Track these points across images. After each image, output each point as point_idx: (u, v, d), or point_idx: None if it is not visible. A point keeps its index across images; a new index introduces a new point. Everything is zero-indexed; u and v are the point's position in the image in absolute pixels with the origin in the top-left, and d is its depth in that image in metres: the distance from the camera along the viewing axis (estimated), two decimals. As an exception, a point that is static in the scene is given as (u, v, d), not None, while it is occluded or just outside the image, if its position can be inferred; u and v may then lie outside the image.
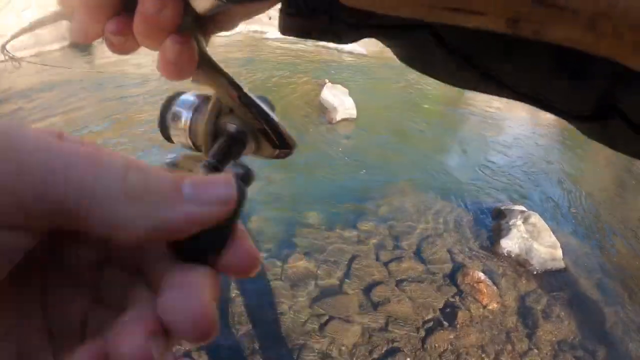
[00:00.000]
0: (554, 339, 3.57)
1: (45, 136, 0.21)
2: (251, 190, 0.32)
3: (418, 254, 4.12)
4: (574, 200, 6.03)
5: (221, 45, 11.28)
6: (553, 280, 4.24)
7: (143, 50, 0.36)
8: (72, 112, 6.27)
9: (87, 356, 0.21)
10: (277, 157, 0.42)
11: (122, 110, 6.40)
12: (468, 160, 6.69)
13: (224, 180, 0.24)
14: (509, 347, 3.38)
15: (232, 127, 0.38)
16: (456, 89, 0.40)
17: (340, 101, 6.87)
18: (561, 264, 4.38)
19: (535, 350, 3.40)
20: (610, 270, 4.76)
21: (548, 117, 10.51)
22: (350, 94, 7.20)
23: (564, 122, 0.33)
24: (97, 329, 0.24)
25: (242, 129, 0.38)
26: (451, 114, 8.68)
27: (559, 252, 4.42)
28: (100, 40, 0.32)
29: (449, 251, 4.25)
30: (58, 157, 0.20)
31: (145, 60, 8.67)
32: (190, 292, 0.22)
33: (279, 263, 3.79)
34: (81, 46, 9.66)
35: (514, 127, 8.47)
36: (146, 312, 0.22)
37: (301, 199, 4.78)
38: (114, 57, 9.21)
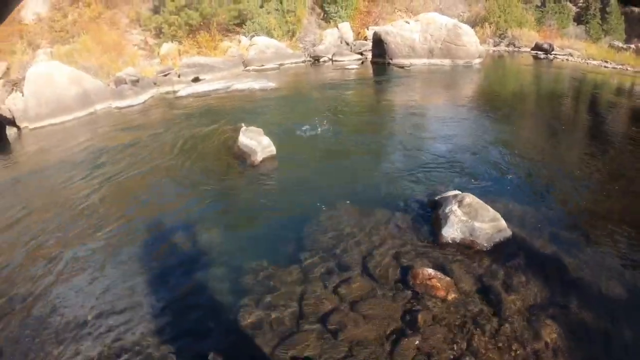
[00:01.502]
0: (522, 306, 3.43)
1: None
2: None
3: (365, 271, 3.91)
4: (504, 169, 6.09)
5: (138, 111, 11.05)
6: (505, 250, 4.15)
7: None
8: None
9: None
10: None
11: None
12: (392, 161, 6.67)
13: None
14: (479, 330, 3.18)
15: None
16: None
17: (257, 142, 6.71)
18: (508, 233, 4.29)
19: (507, 325, 3.23)
20: (559, 220, 4.79)
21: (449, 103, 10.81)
22: (267, 132, 7.07)
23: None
24: None
25: None
26: (361, 126, 8.78)
27: (502, 223, 4.33)
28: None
29: (395, 257, 4.07)
30: None
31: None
32: None
33: (231, 318, 3.49)
34: None
35: (421, 124, 8.70)
36: None
37: (240, 248, 4.48)
38: (30, 155, 8.74)
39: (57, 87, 10.77)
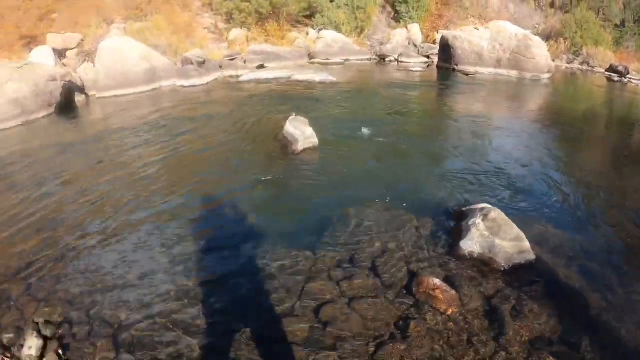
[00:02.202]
0: (526, 337, 3.20)
1: None
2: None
3: (373, 270, 3.86)
4: (549, 190, 5.74)
5: (200, 91, 11.48)
6: (523, 274, 3.91)
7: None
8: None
9: None
10: None
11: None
12: (431, 167, 6.50)
13: None
14: (471, 352, 3.04)
15: None
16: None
17: (301, 132, 6.78)
18: (530, 256, 4.05)
19: (503, 353, 3.05)
20: (594, 252, 4.38)
21: (503, 116, 10.29)
22: (314, 123, 7.13)
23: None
24: None
25: None
26: (411, 126, 8.59)
27: (525, 244, 4.09)
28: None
29: (406, 262, 3.98)
30: None
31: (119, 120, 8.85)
32: None
33: (234, 291, 3.67)
34: (65, 111, 9.94)
35: (478, 132, 8.35)
36: None
37: (260, 228, 4.63)
38: (97, 121, 9.36)
39: (126, 61, 11.36)
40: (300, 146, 6.61)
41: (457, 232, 4.36)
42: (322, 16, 16.58)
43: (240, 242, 4.41)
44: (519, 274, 3.90)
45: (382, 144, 7.28)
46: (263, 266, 3.97)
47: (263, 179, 5.87)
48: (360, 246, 4.23)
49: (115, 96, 10.94)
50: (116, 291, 3.83)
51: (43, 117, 9.44)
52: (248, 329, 3.25)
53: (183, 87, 11.74)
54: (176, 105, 10.14)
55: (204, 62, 12.79)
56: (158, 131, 8.12)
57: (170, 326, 3.35)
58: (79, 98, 10.86)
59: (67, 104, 10.36)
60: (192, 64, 12.58)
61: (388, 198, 5.19)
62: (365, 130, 7.74)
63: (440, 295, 3.45)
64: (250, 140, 7.41)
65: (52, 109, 9.91)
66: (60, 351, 3.49)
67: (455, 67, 14.57)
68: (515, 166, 6.51)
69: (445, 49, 14.95)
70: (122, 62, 11.38)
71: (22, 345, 3.61)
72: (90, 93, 11.07)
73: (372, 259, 4.02)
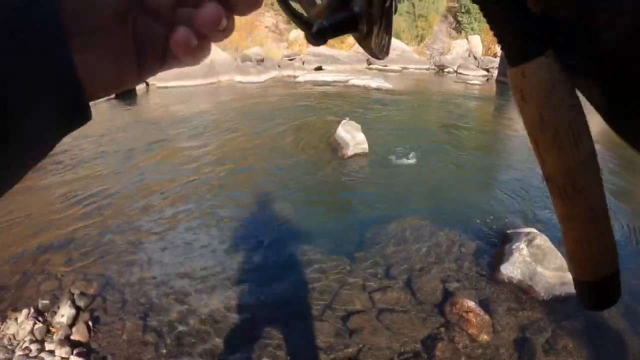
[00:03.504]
0: (557, 374, 3.06)
1: None
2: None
3: (408, 285, 3.78)
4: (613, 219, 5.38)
5: (257, 87, 11.72)
6: (562, 307, 3.70)
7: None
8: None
9: (184, 29, 0.32)
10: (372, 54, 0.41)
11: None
12: (482, 185, 6.28)
13: None
14: (497, 383, 2.92)
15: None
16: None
17: (352, 137, 6.75)
18: (572, 289, 3.82)
19: (532, 387, 2.92)
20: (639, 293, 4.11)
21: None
22: (366, 129, 7.08)
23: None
24: None
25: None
26: (465, 141, 8.30)
27: (568, 276, 3.87)
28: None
29: (443, 280, 3.86)
30: None
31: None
32: None
33: (265, 287, 3.71)
34: (126, 98, 10.45)
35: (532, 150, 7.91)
36: (214, 3, 0.32)
37: (304, 231, 4.64)
38: (155, 109, 9.77)
39: None
40: (350, 151, 6.57)
41: (499, 255, 4.19)
42: (384, 22, 16.49)
43: (278, 239, 4.46)
44: (558, 307, 3.70)
45: (432, 157, 7.12)
46: (298, 266, 4.00)
47: (309, 179, 5.91)
48: (398, 259, 4.15)
49: (174, 87, 11.36)
50: (153, 275, 3.95)
51: (103, 101, 9.94)
52: (275, 326, 3.28)
53: (241, 83, 12.01)
54: (233, 100, 10.39)
55: (262, 60, 13.03)
56: (213, 123, 8.37)
57: (199, 315, 3.43)
58: (139, 86, 11.37)
59: (127, 90, 10.87)
60: (251, 61, 12.84)
61: (432, 213, 5.06)
62: (419, 139, 7.60)
63: (473, 319, 3.33)
64: (301, 140, 7.47)
65: (112, 94, 10.45)
66: (90, 323, 3.63)
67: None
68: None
69: (502, 60, 14.41)
70: None
71: (55, 312, 3.78)
72: (151, 82, 11.54)
73: (408, 273, 3.93)
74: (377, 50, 0.39)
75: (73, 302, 3.87)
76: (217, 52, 12.27)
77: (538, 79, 0.30)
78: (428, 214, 5.01)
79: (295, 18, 0.35)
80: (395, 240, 4.47)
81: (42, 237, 4.46)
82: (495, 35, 0.30)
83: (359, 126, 7.05)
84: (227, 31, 0.34)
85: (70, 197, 5.27)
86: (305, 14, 0.38)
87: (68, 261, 4.17)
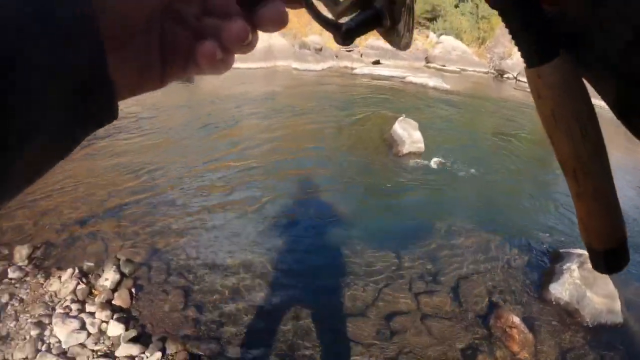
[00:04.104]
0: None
1: None
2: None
3: (454, 291, 3.78)
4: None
5: (314, 76, 11.75)
6: (606, 336, 3.61)
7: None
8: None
9: (211, 40, 0.34)
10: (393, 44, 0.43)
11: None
12: (539, 198, 6.10)
13: None
14: (535, 403, 2.92)
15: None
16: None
17: (408, 135, 6.69)
18: (618, 319, 3.73)
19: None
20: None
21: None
22: (422, 128, 7.00)
23: None
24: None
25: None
26: (524, 151, 8.04)
27: (616, 304, 3.77)
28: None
29: (489, 291, 3.84)
30: None
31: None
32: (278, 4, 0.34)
33: (311, 278, 3.78)
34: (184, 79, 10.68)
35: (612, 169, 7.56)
36: (240, 19, 0.33)
37: (355, 225, 4.68)
38: (210, 87, 9.95)
39: None
40: (405, 149, 6.53)
41: (549, 274, 4.12)
42: (444, 21, 16.06)
43: (327, 230, 4.51)
44: (602, 335, 3.61)
45: (488, 164, 6.96)
46: (346, 260, 4.04)
47: (362, 173, 5.93)
48: (446, 264, 4.14)
49: (232, 68, 11.50)
50: (199, 250, 4.01)
51: None
52: (316, 318, 3.33)
53: (297, 70, 12.04)
54: (289, 86, 10.43)
55: (320, 49, 12.99)
56: (266, 107, 8.46)
57: (241, 299, 3.48)
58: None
59: None
60: (309, 49, 12.82)
61: (484, 222, 5.00)
62: (476, 144, 7.43)
63: (516, 335, 3.32)
64: (356, 132, 7.48)
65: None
66: (133, 290, 3.63)
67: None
68: (637, 214, 5.91)
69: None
70: None
71: (99, 275, 3.78)
72: None
73: (455, 279, 3.93)
74: (400, 42, 0.41)
75: (118, 267, 3.86)
76: (276, 38, 12.31)
77: (551, 80, 0.33)
78: (480, 222, 4.95)
79: (324, 23, 0.38)
80: (443, 244, 4.46)
81: (92, 203, 4.59)
82: (512, 38, 0.34)
83: (416, 124, 6.97)
84: (251, 46, 0.36)
85: (123, 168, 5.42)
86: (330, 16, 0.40)
87: (116, 228, 4.26)
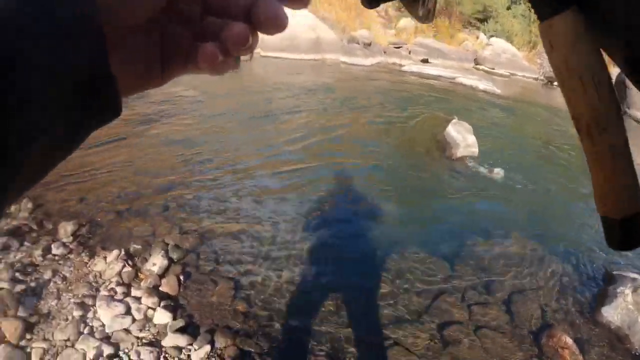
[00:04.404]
0: None
1: None
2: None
3: (507, 305, 3.79)
4: None
5: (362, 71, 11.70)
6: (656, 365, 3.60)
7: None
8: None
9: (212, 43, 0.34)
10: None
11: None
12: (593, 214, 5.91)
13: None
14: None
15: None
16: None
17: (462, 138, 6.62)
18: (672, 349, 3.72)
19: None
20: None
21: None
22: (475, 132, 6.92)
23: None
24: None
25: None
26: (577, 165, 7.74)
27: (671, 335, 3.75)
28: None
29: (542, 308, 3.83)
30: None
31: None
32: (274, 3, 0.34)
33: (362, 280, 3.80)
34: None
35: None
36: (241, 23, 0.33)
37: (406, 226, 4.71)
38: (258, 76, 9.98)
39: (296, 28, 11.61)
40: (459, 152, 6.48)
41: (602, 296, 4.08)
42: (495, 22, 15.66)
43: (380, 231, 4.51)
44: (652, 364, 3.60)
45: (540, 175, 6.84)
46: (398, 264, 4.05)
47: (413, 174, 5.94)
48: (499, 275, 4.15)
49: (279, 58, 11.43)
50: (248, 241, 3.98)
51: None
52: (368, 322, 3.36)
53: (345, 63, 11.98)
54: (338, 80, 10.36)
55: (369, 44, 12.89)
56: (313, 100, 8.43)
57: (289, 295, 3.45)
58: None
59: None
60: (357, 43, 12.72)
61: (537, 235, 4.94)
62: (524, 155, 7.27)
63: (568, 357, 3.33)
64: (409, 131, 7.45)
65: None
66: (181, 277, 3.50)
67: (627, 110, 12.84)
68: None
69: (620, 87, 13.19)
70: (291, 26, 11.65)
71: (145, 259, 3.65)
72: (256, 50, 11.71)
73: (508, 293, 3.93)
74: (423, 15, 0.42)
75: (166, 252, 3.72)
76: (325, 30, 12.23)
77: (564, 29, 0.33)
78: (533, 235, 4.90)
79: None
80: (496, 254, 4.45)
81: (141, 185, 4.59)
82: None
83: (470, 128, 6.88)
84: (252, 48, 0.35)
85: (175, 152, 5.45)
86: None
87: (164, 211, 4.21)
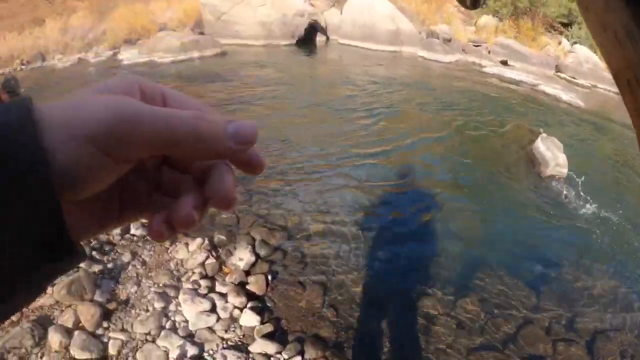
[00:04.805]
0: None
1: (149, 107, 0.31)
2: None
3: (590, 344, 3.65)
4: None
5: (442, 67, 11.32)
6: None
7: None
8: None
9: (160, 218, 0.33)
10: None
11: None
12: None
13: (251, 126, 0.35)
14: None
15: None
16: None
17: (553, 156, 6.25)
18: None
19: None
20: None
21: None
22: (565, 150, 6.49)
23: None
24: (159, 207, 0.35)
25: None
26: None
27: None
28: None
29: (623, 353, 3.66)
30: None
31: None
32: (225, 180, 0.34)
33: (449, 300, 3.74)
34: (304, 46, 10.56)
35: None
36: (194, 195, 0.34)
37: (491, 245, 4.57)
38: (332, 64, 9.77)
39: (374, 17, 11.41)
40: (548, 171, 6.17)
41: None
42: (579, 28, 14.63)
43: (464, 249, 4.43)
44: None
45: (635, 208, 6.18)
46: (485, 285, 3.97)
47: (502, 190, 5.74)
48: (584, 312, 3.99)
49: (355, 46, 11.27)
50: (337, 244, 3.88)
51: (284, 45, 10.21)
52: (455, 345, 3.29)
53: (423, 58, 11.65)
54: (415, 75, 10.07)
55: (450, 40, 12.47)
56: (389, 95, 8.22)
57: (377, 307, 3.41)
58: (320, 38, 11.45)
59: (307, 40, 11.07)
60: (437, 38, 12.32)
61: (626, 273, 4.65)
62: (614, 185, 6.69)
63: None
64: (495, 141, 7.17)
65: (294, 41, 10.76)
66: (269, 277, 3.31)
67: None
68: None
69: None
70: (370, 15, 11.37)
71: (230, 252, 3.50)
72: (332, 37, 11.56)
73: (592, 332, 3.78)
74: (470, 3, 0.40)
75: (253, 248, 3.56)
76: (404, 22, 11.87)
77: None
78: (622, 273, 4.65)
79: None
80: (582, 288, 4.27)
81: None
82: None
83: (561, 145, 6.49)
84: (198, 222, 0.34)
85: (258, 142, 5.47)
86: None
87: (247, 201, 4.09)
